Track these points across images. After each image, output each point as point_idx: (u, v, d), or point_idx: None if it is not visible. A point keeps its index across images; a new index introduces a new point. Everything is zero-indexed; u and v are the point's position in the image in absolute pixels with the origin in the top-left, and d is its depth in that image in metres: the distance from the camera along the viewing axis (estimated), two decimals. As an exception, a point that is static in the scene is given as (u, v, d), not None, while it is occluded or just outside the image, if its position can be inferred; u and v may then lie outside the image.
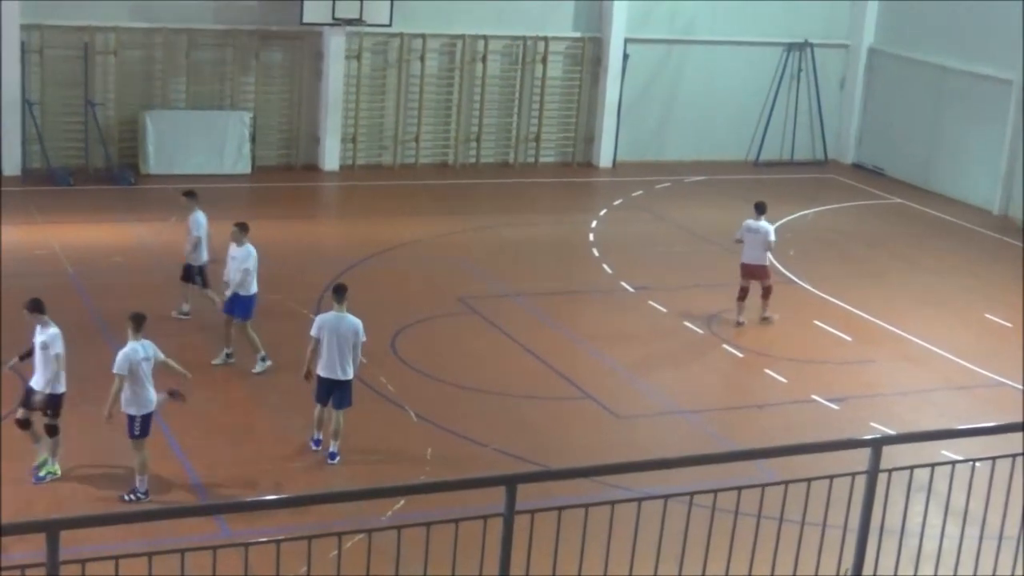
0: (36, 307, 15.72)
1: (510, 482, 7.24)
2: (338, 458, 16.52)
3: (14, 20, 28.25)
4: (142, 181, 29.30)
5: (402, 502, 14.63)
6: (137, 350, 15.20)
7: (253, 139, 30.80)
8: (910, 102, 35.01)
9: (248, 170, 30.67)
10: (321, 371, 16.41)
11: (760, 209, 22.68)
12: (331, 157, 31.69)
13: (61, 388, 15.59)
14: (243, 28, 30.63)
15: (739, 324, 22.65)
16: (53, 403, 15.55)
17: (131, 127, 30.04)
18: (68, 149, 29.68)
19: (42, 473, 15.57)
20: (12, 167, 28.75)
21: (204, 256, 20.94)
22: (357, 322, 16.45)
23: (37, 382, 15.54)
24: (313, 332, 16.47)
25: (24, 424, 15.67)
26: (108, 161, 29.55)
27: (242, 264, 18.97)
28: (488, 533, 7.43)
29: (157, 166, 29.76)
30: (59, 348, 15.49)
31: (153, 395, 15.37)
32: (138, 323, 15.35)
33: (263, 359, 19.10)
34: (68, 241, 24.58)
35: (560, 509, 7.82)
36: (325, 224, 28.79)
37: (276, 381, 18.55)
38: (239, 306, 19.01)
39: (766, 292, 22.72)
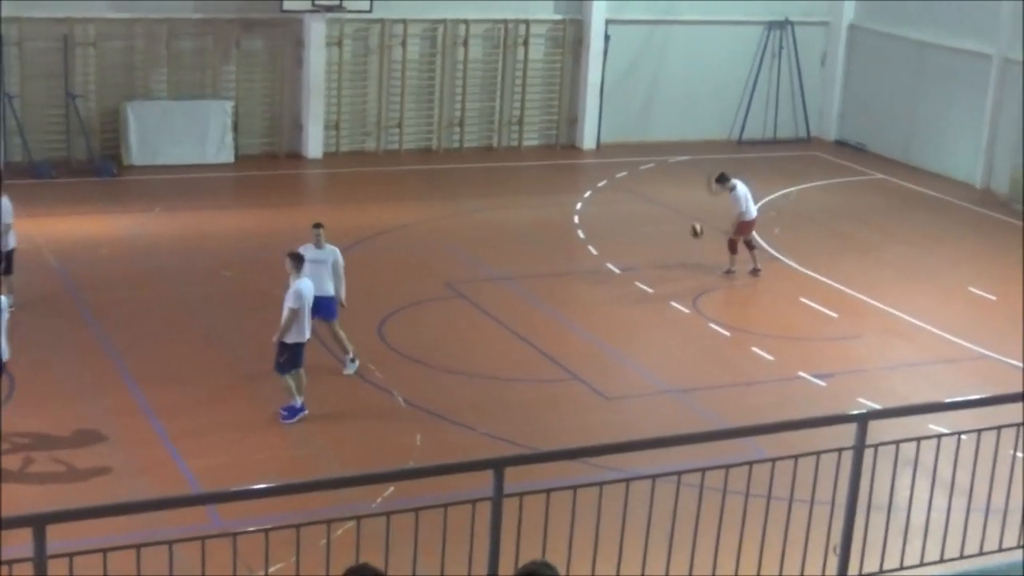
0: None
1: (498, 466, 7.27)
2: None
3: (-8, 13, 28.16)
4: (124, 172, 29.22)
5: (391, 488, 14.65)
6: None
7: (235, 128, 30.72)
8: (891, 78, 35.04)
9: (231, 159, 30.59)
10: (300, 338, 16.96)
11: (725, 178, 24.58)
12: (314, 144, 31.62)
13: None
14: (223, 17, 30.53)
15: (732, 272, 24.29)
16: None
17: (112, 118, 29.94)
18: (49, 142, 29.57)
19: None
20: (-6, 161, 28.68)
21: (12, 242, 20.43)
22: (309, 283, 17.24)
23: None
24: (293, 304, 16.83)
25: None
26: (90, 153, 29.45)
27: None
28: (477, 517, 7.45)
29: (140, 157, 29.67)
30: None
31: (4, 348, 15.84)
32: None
33: (352, 360, 18.85)
34: (52, 234, 24.52)
35: (548, 491, 7.84)
36: (310, 212, 28.57)
37: (261, 367, 18.51)
38: (322, 308, 18.15)
39: (751, 244, 24.48)
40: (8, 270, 20.06)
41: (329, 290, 18.39)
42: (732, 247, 24.16)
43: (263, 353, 18.78)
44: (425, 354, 19.75)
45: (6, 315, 15.91)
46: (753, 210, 24.38)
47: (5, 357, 16.02)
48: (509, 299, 22.50)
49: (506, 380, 19.14)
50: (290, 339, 16.91)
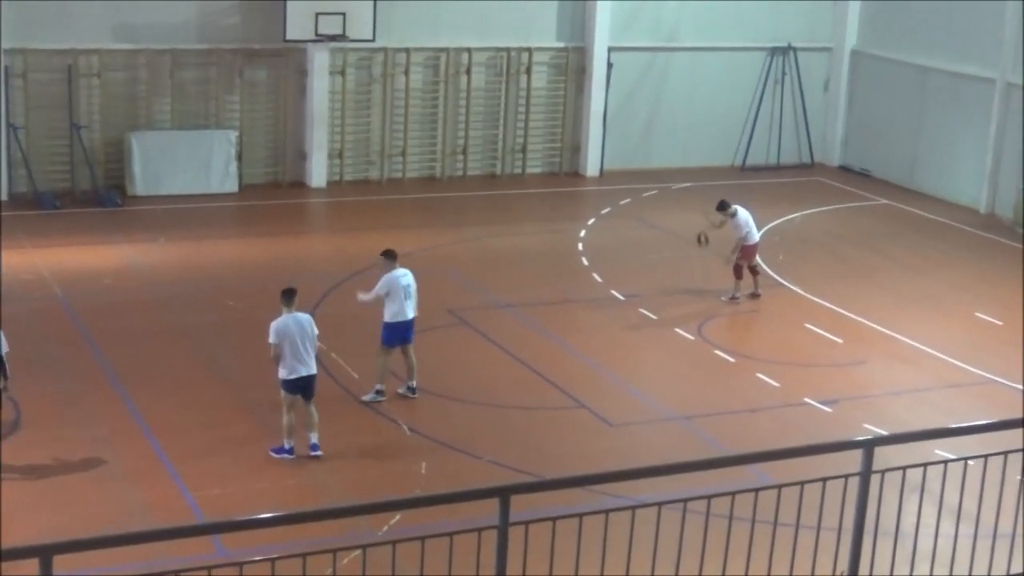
0: None
1: (503, 493, 7.25)
2: (320, 450, 16.89)
3: (-3, 45, 28.27)
4: (129, 203, 29.27)
5: (397, 517, 14.62)
6: None
7: (239, 157, 30.78)
8: (894, 103, 35.09)
9: (235, 188, 30.65)
10: (290, 375, 16.74)
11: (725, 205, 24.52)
12: (318, 173, 31.68)
13: None
14: (226, 47, 30.62)
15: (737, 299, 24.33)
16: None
17: (117, 149, 30.01)
18: (54, 172, 29.64)
19: None
20: (-2, 192, 28.74)
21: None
22: (307, 317, 17.02)
23: None
24: (272, 339, 16.75)
25: None
26: (94, 183, 29.51)
27: (380, 289, 18.61)
28: (483, 545, 7.43)
29: (144, 187, 29.73)
30: None
31: None
32: None
33: (378, 392, 18.85)
34: (56, 264, 24.56)
35: (554, 519, 7.82)
36: (314, 240, 28.77)
37: (265, 395, 18.50)
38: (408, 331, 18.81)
39: (755, 269, 24.53)
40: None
41: (385, 316, 18.70)
42: (737, 273, 24.16)
43: (266, 382, 18.78)
44: (429, 382, 19.72)
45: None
46: (756, 234, 24.36)
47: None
48: (513, 326, 22.50)
49: (510, 407, 19.12)
50: (280, 374, 16.87)
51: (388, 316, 18.61)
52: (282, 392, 16.87)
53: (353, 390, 18.99)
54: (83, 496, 15.73)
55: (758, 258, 24.71)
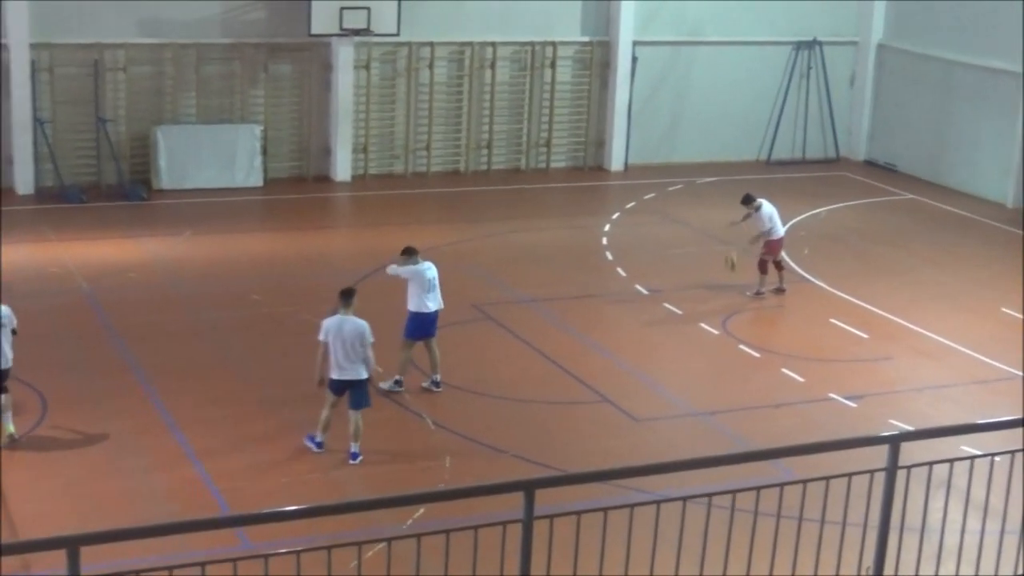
0: None
1: (528, 487, 7.25)
2: (360, 458, 16.65)
3: (24, 39, 28.35)
4: (154, 196, 29.36)
5: (421, 510, 14.63)
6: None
7: (264, 152, 30.84)
8: (920, 97, 34.96)
9: (260, 183, 30.72)
10: (334, 374, 16.53)
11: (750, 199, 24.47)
12: (343, 168, 31.72)
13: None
14: (251, 41, 30.68)
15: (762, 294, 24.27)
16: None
17: (142, 143, 30.11)
18: (80, 166, 29.76)
19: None
20: (25, 186, 28.84)
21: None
22: (363, 324, 16.61)
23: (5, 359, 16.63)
24: (320, 336, 16.60)
25: None
26: (120, 177, 29.61)
27: (404, 273, 18.87)
28: (508, 539, 7.43)
29: (169, 181, 29.82)
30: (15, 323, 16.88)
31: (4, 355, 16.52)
32: None
33: (397, 382, 18.87)
34: (82, 258, 24.65)
35: (579, 513, 7.82)
36: (338, 235, 28.80)
37: (291, 392, 18.55)
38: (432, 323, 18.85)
39: (780, 264, 24.51)
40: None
41: (409, 306, 18.81)
42: (762, 268, 24.09)
43: (291, 377, 18.84)
44: (454, 376, 19.73)
45: (7, 327, 16.67)
46: (781, 229, 24.28)
47: (5, 365, 16.58)
48: (537, 321, 22.49)
49: (534, 402, 19.12)
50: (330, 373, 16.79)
51: (412, 307, 18.80)
52: (328, 390, 16.82)
53: (380, 385, 19.00)
54: (108, 488, 15.79)
55: (783, 253, 24.64)
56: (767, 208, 24.05)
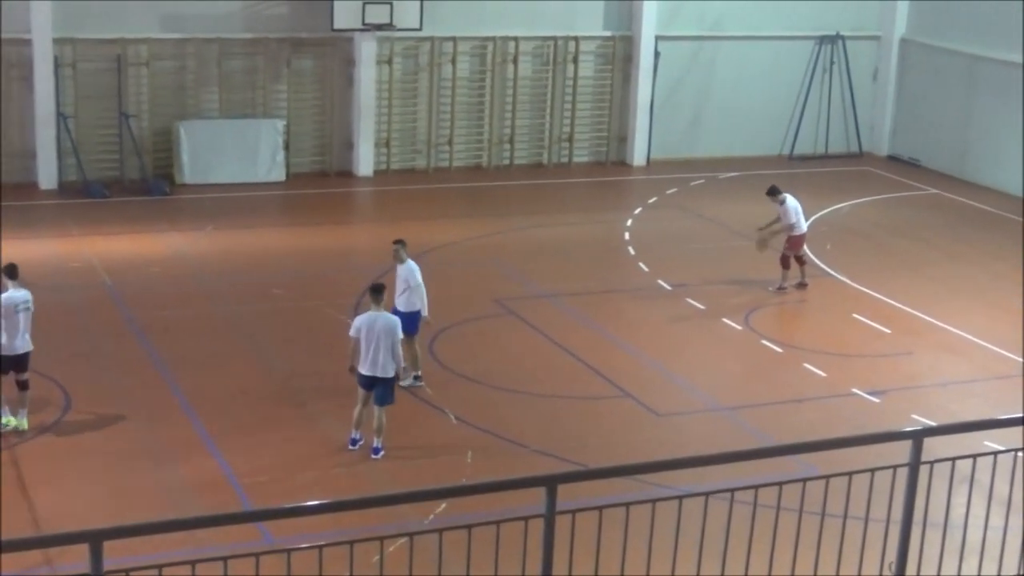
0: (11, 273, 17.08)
1: (550, 482, 7.24)
2: (382, 453, 16.69)
3: (47, 34, 28.44)
4: (177, 191, 29.44)
5: (443, 505, 14.65)
6: (14, 296, 16.75)
7: (287, 146, 30.89)
8: (944, 92, 34.83)
9: (283, 178, 30.76)
10: (362, 369, 16.57)
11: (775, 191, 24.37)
12: (365, 162, 31.75)
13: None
14: (273, 36, 30.73)
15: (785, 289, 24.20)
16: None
17: (165, 138, 30.18)
18: (103, 161, 29.85)
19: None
20: (48, 181, 28.94)
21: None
22: (394, 321, 16.63)
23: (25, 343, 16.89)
24: (351, 332, 16.65)
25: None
26: (143, 172, 29.69)
27: (405, 282, 18.62)
28: (530, 534, 7.43)
29: (192, 176, 29.89)
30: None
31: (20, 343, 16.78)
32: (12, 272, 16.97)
33: (416, 378, 18.87)
34: (104, 253, 24.73)
35: (601, 508, 7.81)
36: (360, 229, 28.83)
37: (313, 384, 18.58)
38: (405, 323, 17.99)
39: (802, 259, 24.39)
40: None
41: (415, 305, 18.62)
42: (785, 263, 24.05)
43: (313, 371, 18.86)
44: (476, 371, 19.76)
45: (29, 311, 16.94)
46: (804, 225, 24.21)
47: (25, 349, 16.90)
48: (559, 316, 22.48)
49: (557, 397, 19.12)
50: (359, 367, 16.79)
51: (418, 305, 18.68)
52: (357, 384, 16.86)
53: (402, 380, 18.98)
54: (130, 482, 15.83)
55: (805, 248, 24.58)
56: (791, 202, 24.00)
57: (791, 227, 23.87)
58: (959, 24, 34.21)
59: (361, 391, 16.73)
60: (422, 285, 18.69)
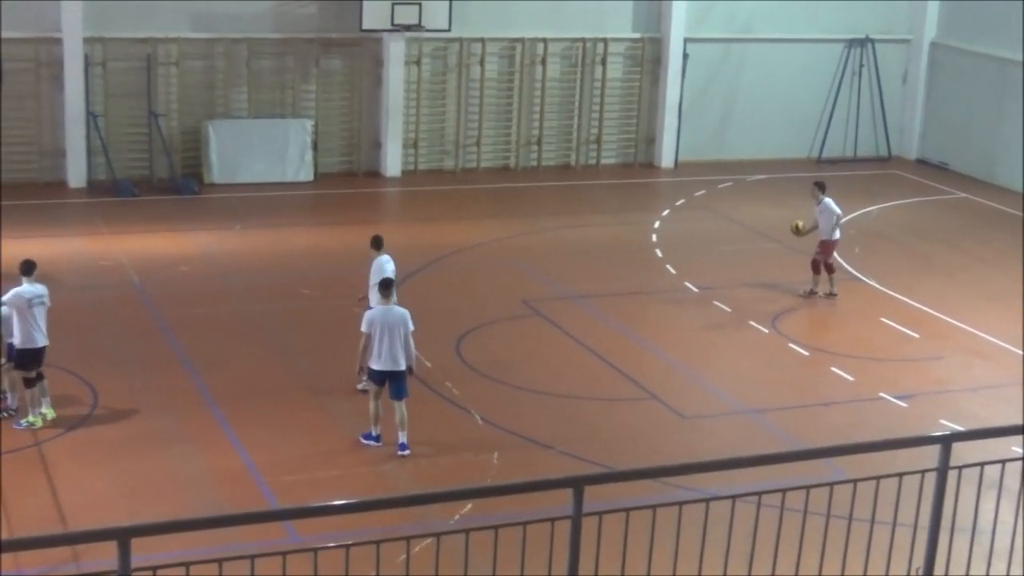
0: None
1: (577, 484, 7.23)
2: (408, 450, 16.72)
3: (77, 33, 28.56)
4: (206, 190, 29.53)
5: (469, 505, 14.65)
6: (27, 290, 16.87)
7: (315, 146, 30.94)
8: (973, 96, 34.68)
9: (311, 177, 30.82)
10: (375, 364, 16.63)
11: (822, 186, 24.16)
12: (393, 163, 31.79)
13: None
14: (302, 36, 30.79)
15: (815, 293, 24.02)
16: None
17: (194, 137, 30.28)
18: (132, 160, 29.96)
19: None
20: (78, 179, 29.06)
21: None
22: (404, 312, 16.71)
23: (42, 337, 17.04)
24: (364, 328, 16.70)
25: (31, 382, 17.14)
26: (172, 171, 29.79)
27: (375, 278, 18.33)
28: (556, 535, 7.42)
29: (220, 175, 29.97)
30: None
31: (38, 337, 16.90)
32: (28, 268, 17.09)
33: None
34: (133, 251, 24.81)
35: (628, 511, 7.80)
36: (388, 229, 28.55)
37: (338, 383, 18.61)
38: None
39: (831, 267, 24.10)
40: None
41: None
42: (815, 268, 23.92)
43: (341, 370, 18.87)
44: (502, 372, 19.76)
45: (45, 306, 17.07)
46: (837, 232, 23.97)
47: (42, 343, 17.00)
48: (586, 317, 22.46)
49: (583, 399, 19.10)
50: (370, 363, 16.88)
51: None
52: (370, 380, 16.91)
53: (429, 380, 19.00)
54: (157, 481, 15.88)
55: (835, 254, 24.39)
56: (831, 206, 23.73)
57: (825, 229, 23.61)
58: (989, 28, 34.05)
59: (373, 386, 16.85)
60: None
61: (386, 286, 16.92)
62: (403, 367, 16.69)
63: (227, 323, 21.43)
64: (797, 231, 24.04)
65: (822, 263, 23.91)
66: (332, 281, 23.47)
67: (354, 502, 7.18)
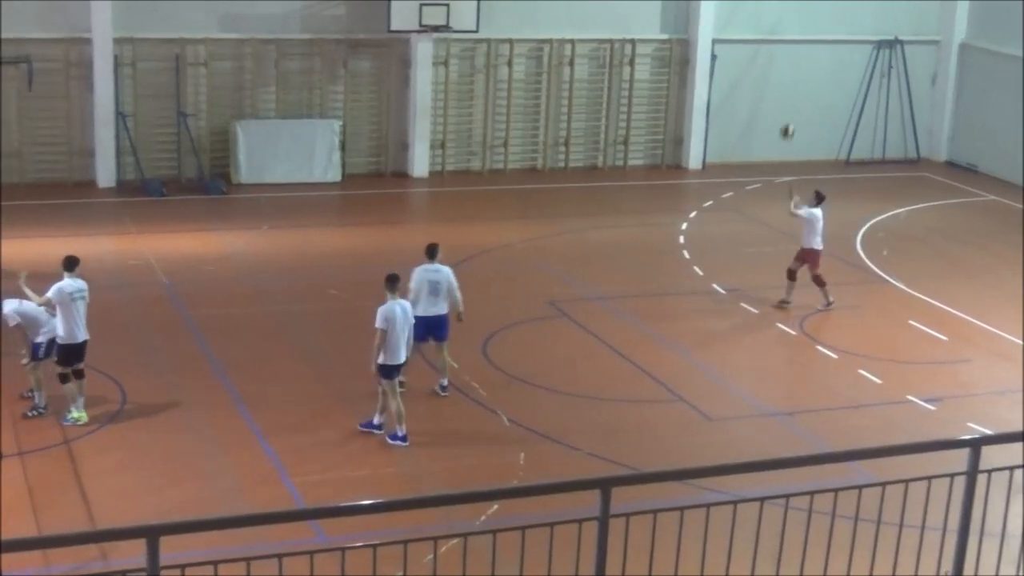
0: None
1: (605, 485, 7.23)
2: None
3: (107, 34, 28.67)
4: (234, 190, 29.61)
5: (496, 506, 14.65)
6: (68, 285, 16.98)
7: (343, 147, 30.99)
8: (1003, 98, 34.52)
9: (338, 178, 30.88)
10: (391, 360, 16.84)
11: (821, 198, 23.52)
12: (420, 163, 31.82)
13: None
14: (331, 37, 30.85)
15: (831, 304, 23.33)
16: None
17: (222, 137, 30.36)
18: (161, 160, 30.07)
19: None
20: (107, 179, 29.18)
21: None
22: (407, 305, 17.24)
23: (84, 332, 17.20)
24: (378, 324, 16.84)
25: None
26: (200, 171, 29.89)
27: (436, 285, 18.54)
28: (583, 536, 7.42)
29: (248, 175, 30.05)
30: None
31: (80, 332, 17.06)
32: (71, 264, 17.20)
33: (443, 387, 18.75)
34: (162, 251, 24.90)
35: (655, 512, 7.80)
36: (415, 230, 28.79)
37: (367, 387, 18.62)
38: (435, 327, 18.42)
39: (820, 279, 23.26)
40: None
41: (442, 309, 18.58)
42: (791, 275, 23.27)
43: (366, 371, 18.88)
44: (529, 373, 19.76)
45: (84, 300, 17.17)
46: (820, 241, 23.11)
47: (83, 338, 17.13)
48: (613, 319, 22.45)
49: (610, 400, 19.09)
50: (379, 359, 16.92)
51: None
52: (384, 380, 16.94)
53: (455, 381, 19.02)
54: (185, 480, 15.94)
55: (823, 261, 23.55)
56: (812, 213, 23.15)
57: (807, 236, 23.18)
58: (1019, 29, 33.87)
59: (391, 384, 17.00)
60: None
61: (392, 281, 17.15)
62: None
63: (255, 323, 21.48)
64: (792, 195, 23.64)
65: (810, 275, 23.13)
66: (359, 282, 23.49)
67: (381, 502, 7.19)
